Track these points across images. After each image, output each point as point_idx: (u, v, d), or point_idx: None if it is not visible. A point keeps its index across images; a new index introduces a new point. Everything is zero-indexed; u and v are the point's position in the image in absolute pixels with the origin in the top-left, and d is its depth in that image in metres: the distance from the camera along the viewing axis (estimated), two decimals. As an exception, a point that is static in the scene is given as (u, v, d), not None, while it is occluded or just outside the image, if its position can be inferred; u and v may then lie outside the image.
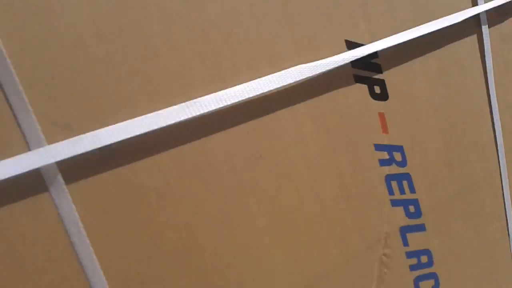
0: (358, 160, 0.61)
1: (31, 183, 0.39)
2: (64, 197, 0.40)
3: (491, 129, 0.76)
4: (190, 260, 0.48)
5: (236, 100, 0.48)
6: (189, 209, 0.48)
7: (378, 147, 0.63)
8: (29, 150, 0.38)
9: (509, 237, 0.81)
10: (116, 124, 0.41)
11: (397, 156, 0.65)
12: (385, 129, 0.64)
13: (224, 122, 0.49)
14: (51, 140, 0.39)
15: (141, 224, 0.45)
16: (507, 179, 0.79)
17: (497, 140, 0.77)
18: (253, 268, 0.53)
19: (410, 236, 0.67)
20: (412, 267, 0.68)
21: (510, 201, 0.80)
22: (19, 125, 0.38)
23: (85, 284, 0.42)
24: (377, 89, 0.62)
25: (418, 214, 0.68)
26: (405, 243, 0.67)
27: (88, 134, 0.40)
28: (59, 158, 0.38)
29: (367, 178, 0.62)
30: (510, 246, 0.81)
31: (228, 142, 0.50)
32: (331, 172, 0.58)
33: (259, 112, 0.51)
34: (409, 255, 0.68)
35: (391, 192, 0.65)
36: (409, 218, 0.67)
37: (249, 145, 0.52)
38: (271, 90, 0.50)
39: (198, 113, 0.45)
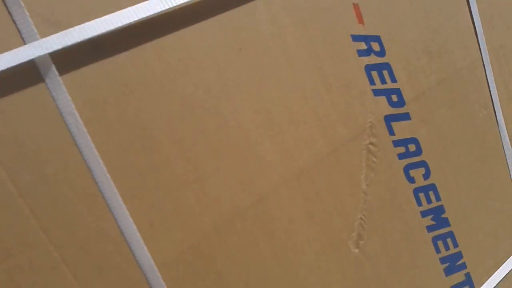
0: (336, 51, 0.69)
1: (29, 75, 0.47)
2: (59, 88, 0.48)
3: (469, 17, 0.85)
4: (182, 149, 0.57)
5: (209, -8, 0.55)
6: (177, 102, 0.57)
7: (355, 38, 0.72)
8: (25, 44, 0.46)
9: (497, 125, 0.90)
10: (100, 17, 0.49)
11: (375, 46, 0.74)
12: (360, 20, 0.72)
13: (200, 14, 0.57)
14: (44, 34, 0.47)
15: (134, 116, 0.54)
16: (490, 66, 0.88)
17: (476, 28, 0.85)
18: (242, 157, 0.62)
19: (395, 125, 0.77)
20: (401, 156, 0.78)
21: (495, 89, 0.89)
22: (14, 21, 0.46)
23: (86, 172, 0.51)
24: (349, -20, 0.70)
25: (401, 103, 0.77)
26: (391, 132, 0.76)
27: (76, 27, 0.48)
28: (51, 50, 0.47)
29: (346, 69, 0.71)
30: (499, 134, 0.91)
31: (207, 35, 0.58)
32: (310, 64, 0.67)
33: (233, 4, 0.59)
34: (396, 143, 0.77)
35: (372, 82, 0.74)
36: (392, 107, 0.76)
37: (228, 38, 0.60)
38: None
39: (174, 5, 0.53)
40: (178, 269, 0.56)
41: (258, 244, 0.62)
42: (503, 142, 0.88)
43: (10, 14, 0.45)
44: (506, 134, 0.88)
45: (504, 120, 0.88)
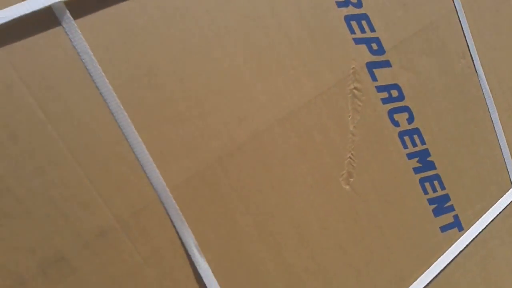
0: (316, 2, 0.83)
1: (48, 20, 0.61)
2: (74, 31, 0.62)
3: (441, -30, 0.99)
4: (183, 88, 0.70)
5: None
6: (176, 45, 0.70)
7: (333, -10, 0.86)
8: None
9: (477, 75, 1.04)
10: (106, -31, 0.63)
11: (352, -2, 0.88)
12: (337, -27, 0.86)
13: None
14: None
15: (139, 56, 0.67)
16: (465, 18, 1.02)
17: (449, -19, 0.99)
18: (237, 96, 0.75)
19: (377, 72, 0.90)
20: (384, 100, 0.91)
21: (471, 39, 1.03)
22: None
23: (102, 103, 0.64)
24: None
25: (381, 51, 0.91)
26: (374, 78, 0.90)
27: (85, -23, 0.62)
28: None
29: (327, 19, 0.84)
30: (479, 83, 1.05)
31: None
32: (294, 13, 0.80)
33: None
34: (379, 89, 0.91)
35: (352, 31, 0.88)
36: (373, 54, 0.90)
37: None
38: None
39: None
40: (186, 192, 0.69)
41: (256, 176, 0.75)
42: (483, 91, 1.01)
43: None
44: (486, 83, 1.01)
45: (482, 69, 1.01)
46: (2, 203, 0.55)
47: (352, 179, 0.83)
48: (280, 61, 0.76)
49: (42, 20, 0.58)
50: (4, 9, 0.55)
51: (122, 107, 0.61)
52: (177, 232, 0.65)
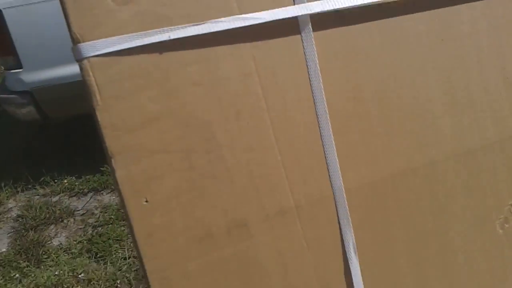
0: None
1: (291, 28, 0.76)
2: (310, 41, 0.76)
3: None
4: (381, 106, 0.82)
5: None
6: (384, 69, 0.82)
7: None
8: (294, 4, 0.75)
9: None
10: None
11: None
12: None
13: (417, 6, 0.83)
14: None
15: (352, 73, 0.78)
16: None
17: None
18: (425, 125, 0.85)
19: None
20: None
21: None
22: (290, -13, 0.74)
23: (311, 106, 0.79)
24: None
25: None
26: None
27: (332, -1, 0.76)
28: (312, 12, 0.75)
29: None
30: None
31: (419, 24, 0.83)
32: (497, 64, 0.87)
33: (443, 3, 0.85)
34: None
35: None
36: None
37: (434, 29, 0.84)
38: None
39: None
40: (357, 196, 0.82)
41: (421, 200, 0.86)
42: None
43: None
44: None
45: None
46: (215, 167, 0.72)
47: (507, 225, 0.92)
48: (472, 103, 0.85)
49: (286, 26, 0.73)
50: (260, 12, 0.71)
51: (327, 111, 0.75)
52: (340, 229, 0.79)
